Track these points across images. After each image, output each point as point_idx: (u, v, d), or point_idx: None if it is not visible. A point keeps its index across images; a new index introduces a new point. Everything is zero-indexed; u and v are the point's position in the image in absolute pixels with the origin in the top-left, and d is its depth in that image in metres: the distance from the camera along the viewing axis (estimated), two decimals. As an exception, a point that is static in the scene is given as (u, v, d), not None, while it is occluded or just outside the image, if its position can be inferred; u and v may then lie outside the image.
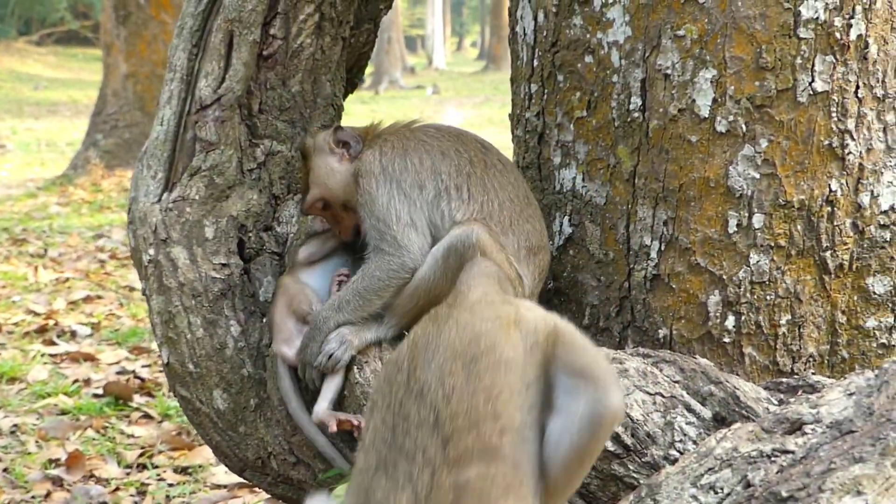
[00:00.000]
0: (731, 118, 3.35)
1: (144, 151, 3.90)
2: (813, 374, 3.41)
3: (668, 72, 3.42)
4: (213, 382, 3.65)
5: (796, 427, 2.72)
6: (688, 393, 3.13)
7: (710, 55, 3.37)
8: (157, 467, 5.57)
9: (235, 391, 3.64)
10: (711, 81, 3.37)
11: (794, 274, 3.39)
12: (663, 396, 3.11)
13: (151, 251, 3.70)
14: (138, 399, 6.54)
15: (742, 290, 3.40)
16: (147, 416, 6.34)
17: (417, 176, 3.46)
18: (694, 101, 3.39)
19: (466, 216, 3.40)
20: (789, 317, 3.41)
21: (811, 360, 3.44)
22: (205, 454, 5.66)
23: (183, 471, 5.58)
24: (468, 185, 3.45)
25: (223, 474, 5.45)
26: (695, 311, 3.46)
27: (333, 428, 3.30)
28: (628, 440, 3.05)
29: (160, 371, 7.12)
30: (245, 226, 3.77)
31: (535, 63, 3.79)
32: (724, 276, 3.41)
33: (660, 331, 3.50)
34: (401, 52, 47.53)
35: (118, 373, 7.10)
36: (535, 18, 3.78)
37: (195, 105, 3.76)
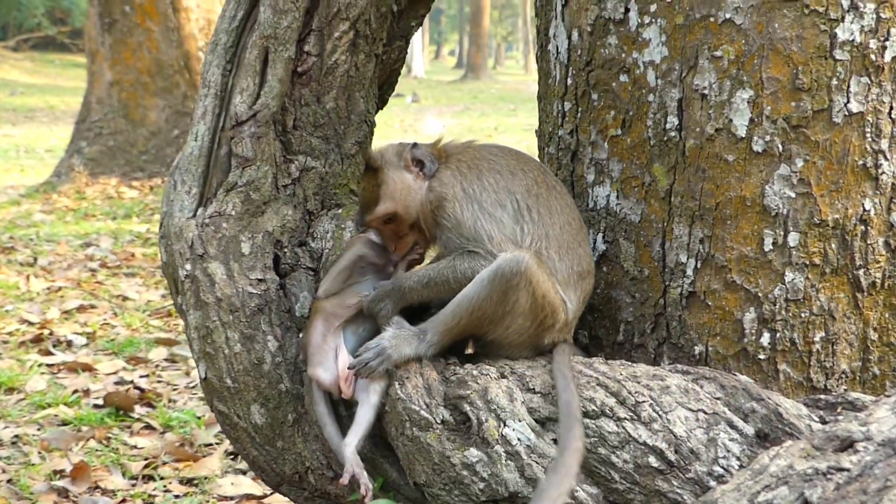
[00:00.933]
0: (767, 138, 3.40)
1: (177, 167, 3.91)
2: (845, 390, 3.46)
3: (706, 92, 3.46)
4: (251, 397, 3.67)
5: (847, 445, 2.76)
6: (729, 409, 3.17)
7: (747, 76, 3.41)
8: (162, 478, 5.56)
9: (273, 406, 3.66)
10: (748, 102, 3.41)
11: (828, 292, 3.44)
12: (706, 413, 3.15)
13: (188, 266, 3.72)
14: (139, 409, 6.53)
15: (777, 307, 3.45)
16: (149, 427, 6.33)
17: (497, 195, 3.51)
18: (731, 120, 3.44)
19: (534, 238, 3.47)
20: (823, 334, 3.46)
21: (844, 376, 3.49)
22: (209, 465, 5.67)
23: (189, 482, 5.57)
24: (538, 207, 3.51)
25: (230, 486, 5.46)
26: (730, 328, 3.50)
27: (345, 481, 3.33)
28: (672, 456, 3.09)
29: (159, 381, 7.13)
30: (280, 241, 3.79)
31: (569, 81, 3.84)
32: (760, 294, 3.46)
33: (695, 347, 3.54)
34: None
35: (116, 383, 7.08)
36: (569, 37, 3.82)
37: (230, 121, 3.78)
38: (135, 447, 5.99)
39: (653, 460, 3.10)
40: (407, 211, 3.57)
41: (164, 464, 5.75)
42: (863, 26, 3.36)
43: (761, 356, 3.48)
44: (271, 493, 5.33)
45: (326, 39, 3.87)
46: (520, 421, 3.23)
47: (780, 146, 3.40)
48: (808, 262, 3.43)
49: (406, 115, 30.02)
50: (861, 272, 3.44)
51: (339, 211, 3.89)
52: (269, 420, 3.67)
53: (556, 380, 3.28)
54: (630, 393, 3.21)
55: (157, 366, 7.53)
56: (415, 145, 3.61)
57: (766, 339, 3.47)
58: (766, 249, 3.44)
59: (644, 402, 3.19)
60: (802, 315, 3.45)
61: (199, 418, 6.35)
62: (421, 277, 3.48)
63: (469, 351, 3.64)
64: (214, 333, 3.67)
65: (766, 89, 3.40)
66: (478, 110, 31.39)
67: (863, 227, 3.42)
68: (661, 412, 3.16)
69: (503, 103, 38.15)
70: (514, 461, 3.19)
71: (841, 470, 2.67)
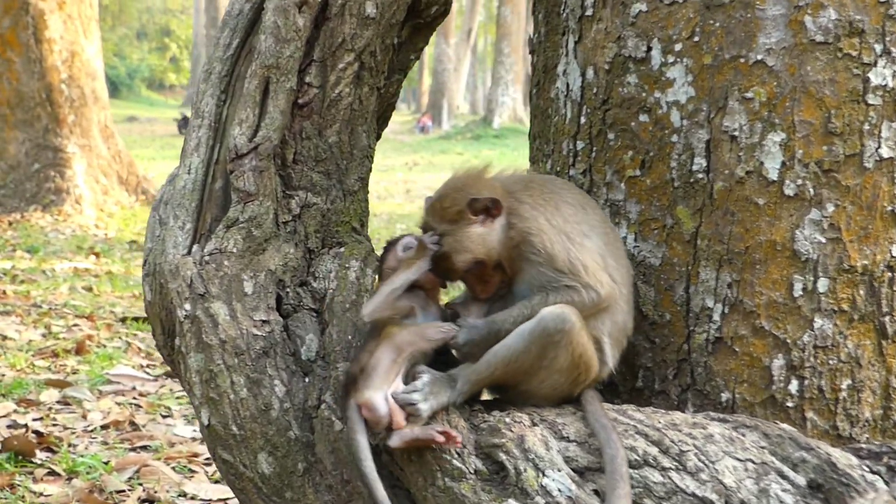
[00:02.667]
0: (799, 182, 3.36)
1: (166, 201, 3.73)
2: (867, 438, 3.42)
3: (735, 133, 3.41)
4: (258, 445, 3.47)
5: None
6: (777, 459, 3.10)
7: (779, 118, 3.37)
8: None
9: (282, 454, 3.47)
10: (780, 145, 3.36)
11: (856, 338, 3.40)
12: (754, 463, 3.07)
13: (188, 307, 3.52)
14: (40, 454, 6.17)
15: (806, 354, 3.39)
16: (53, 473, 5.98)
17: (579, 227, 3.36)
18: (762, 163, 3.38)
19: (616, 277, 3.37)
20: (850, 381, 3.41)
21: (867, 424, 3.45)
22: None
23: None
24: (612, 244, 3.42)
25: None
26: (758, 374, 3.44)
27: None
28: (723, 508, 3.00)
29: (55, 424, 6.80)
30: (283, 280, 3.62)
31: (583, 120, 3.75)
32: (789, 340, 3.40)
33: (722, 394, 3.46)
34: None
35: (10, 426, 6.70)
36: (583, 75, 3.74)
37: (229, 154, 3.60)
38: (41, 494, 5.65)
39: (702, 513, 3.01)
40: (490, 256, 3.40)
41: (76, 512, 5.43)
42: (895, 71, 3.34)
43: (789, 404, 3.42)
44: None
45: (330, 71, 3.72)
46: (559, 471, 3.11)
47: (811, 190, 3.36)
48: (836, 309, 3.39)
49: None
50: (887, 319, 3.41)
51: (342, 250, 3.73)
52: (277, 469, 3.48)
53: (597, 431, 3.17)
54: (673, 442, 3.12)
55: (49, 408, 7.17)
56: (473, 200, 3.38)
57: (794, 386, 3.41)
58: (796, 295, 3.39)
59: (688, 451, 3.09)
60: (830, 362, 3.40)
61: (106, 464, 6.04)
62: (517, 319, 3.33)
63: (485, 397, 3.50)
64: (219, 378, 3.47)
65: (798, 132, 3.35)
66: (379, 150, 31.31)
67: (890, 274, 3.40)
68: (707, 461, 3.07)
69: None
70: (556, 513, 3.07)
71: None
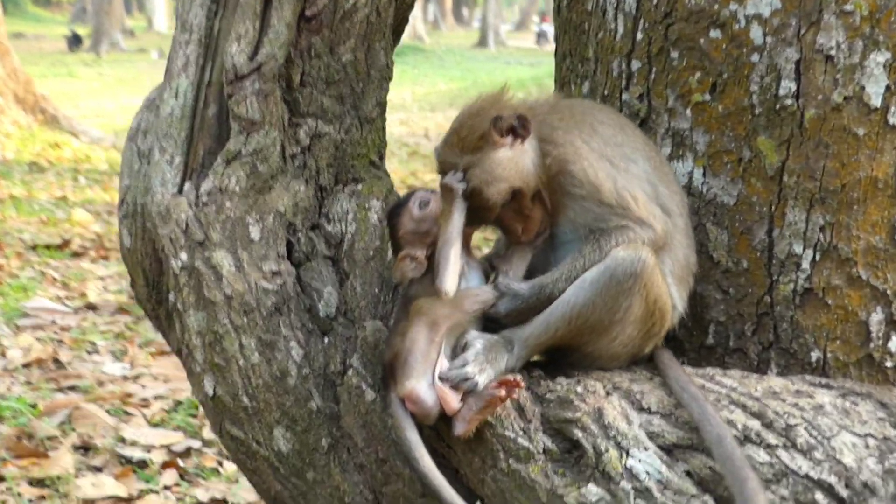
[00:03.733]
0: (905, 109, 2.90)
1: (145, 130, 3.20)
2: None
3: (832, 53, 2.94)
4: (274, 419, 2.96)
5: None
6: (901, 433, 2.66)
7: (883, 35, 2.91)
8: (4, 480, 4.88)
9: (301, 429, 2.95)
10: (884, 66, 2.91)
11: (965, 289, 2.98)
12: (875, 438, 2.63)
13: (184, 256, 2.98)
14: (-43, 397, 5.77)
15: (909, 306, 2.97)
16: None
17: (620, 149, 2.91)
18: (863, 87, 2.93)
19: (670, 209, 2.90)
20: (958, 337, 2.99)
21: (972, 385, 3.03)
22: (60, 462, 5.05)
23: (39, 483, 4.91)
24: (660, 170, 2.96)
25: (90, 487, 4.89)
26: (853, 330, 3.01)
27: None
28: (843, 492, 2.56)
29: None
30: (293, 224, 3.08)
31: (639, 36, 3.23)
32: (889, 291, 2.98)
33: (812, 353, 3.02)
34: (120, 13, 45.80)
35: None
36: (640, -17, 3.22)
37: (227, 75, 3.04)
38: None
39: (820, 497, 2.56)
40: (526, 182, 2.89)
41: (5, 461, 5.06)
42: None
43: (888, 363, 3.01)
44: (141, 495, 4.84)
45: (342, -23, 3.15)
46: (645, 449, 2.65)
47: (919, 119, 2.91)
48: (943, 255, 2.95)
49: (154, 70, 28.53)
50: None
51: (359, 187, 3.21)
52: (296, 446, 2.96)
53: (686, 403, 2.71)
54: (777, 414, 2.67)
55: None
56: (496, 118, 2.88)
57: (894, 343, 2.98)
58: (898, 239, 2.95)
59: (797, 424, 2.65)
60: (936, 315, 2.97)
61: (33, 407, 5.69)
62: (569, 276, 2.81)
63: (537, 358, 3.00)
64: (225, 340, 2.95)
65: (906, 51, 2.90)
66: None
67: None
68: (820, 437, 2.62)
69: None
70: (646, 499, 2.61)
71: None
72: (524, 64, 37.46)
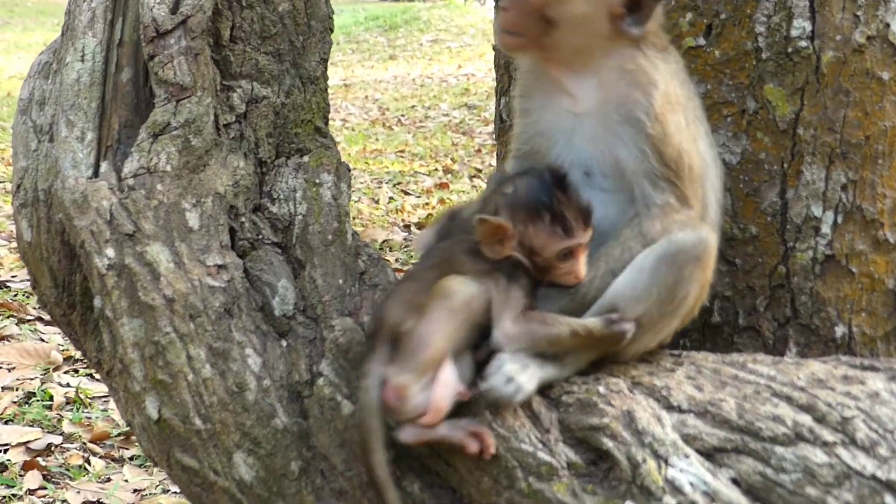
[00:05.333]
0: (935, 49, 2.64)
1: (42, 101, 2.73)
2: None
3: (851, -14, 2.63)
4: (233, 442, 2.50)
5: None
6: (973, 423, 2.35)
7: (910, -36, 2.63)
8: None
9: (266, 452, 2.50)
10: (912, 1, 2.63)
11: None
12: (947, 431, 2.32)
13: (110, 252, 2.50)
14: None
15: (942, 272, 2.71)
16: None
17: (696, 112, 2.49)
18: (888, 25, 2.72)
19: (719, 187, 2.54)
20: None
21: None
22: None
23: None
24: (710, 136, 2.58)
25: None
26: (881, 301, 2.80)
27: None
28: (916, 494, 2.24)
29: None
30: (235, 207, 2.63)
31: (621, -31, 2.86)
32: (920, 256, 2.69)
33: (836, 328, 2.73)
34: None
35: None
36: None
37: (145, 32, 2.59)
38: None
39: (890, 500, 2.24)
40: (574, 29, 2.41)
41: None
42: None
43: (919, 336, 2.72)
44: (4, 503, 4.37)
45: None
46: (686, 457, 2.28)
47: (949, 60, 2.64)
48: (977, 213, 2.70)
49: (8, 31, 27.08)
50: None
51: (305, 159, 2.77)
52: (261, 473, 2.51)
53: None
54: (829, 405, 2.33)
55: None
56: None
57: (925, 313, 2.72)
58: (929, 197, 2.68)
59: (853, 417, 2.32)
60: (971, 282, 2.73)
61: None
62: (606, 272, 2.38)
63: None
64: (169, 352, 2.47)
65: (936, -17, 2.64)
66: (19, 25, 28.74)
67: None
68: (882, 431, 2.29)
69: (45, 17, 35.63)
70: (693, 517, 2.24)
71: None
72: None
